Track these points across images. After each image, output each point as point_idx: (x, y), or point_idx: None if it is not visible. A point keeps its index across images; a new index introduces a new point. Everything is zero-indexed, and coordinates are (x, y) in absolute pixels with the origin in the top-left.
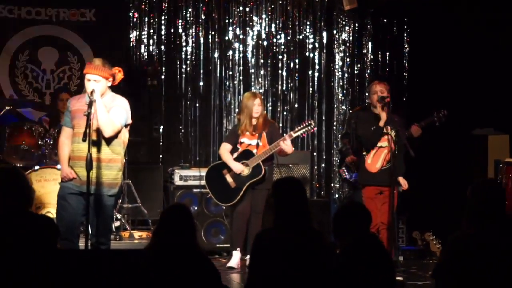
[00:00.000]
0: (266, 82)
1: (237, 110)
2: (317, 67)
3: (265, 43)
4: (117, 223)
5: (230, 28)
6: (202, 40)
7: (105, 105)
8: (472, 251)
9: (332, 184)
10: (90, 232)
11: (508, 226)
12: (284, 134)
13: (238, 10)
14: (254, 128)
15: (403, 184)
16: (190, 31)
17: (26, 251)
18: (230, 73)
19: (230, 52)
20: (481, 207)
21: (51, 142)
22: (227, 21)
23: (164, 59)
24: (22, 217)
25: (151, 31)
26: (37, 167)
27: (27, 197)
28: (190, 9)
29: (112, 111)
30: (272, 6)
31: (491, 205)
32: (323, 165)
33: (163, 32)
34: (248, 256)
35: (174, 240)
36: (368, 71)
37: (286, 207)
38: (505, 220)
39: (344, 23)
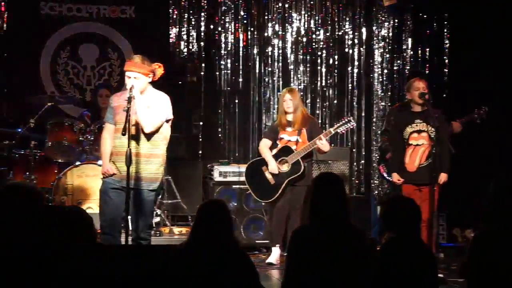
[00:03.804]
0: (305, 78)
1: (276, 106)
2: (356, 63)
3: (304, 39)
4: (157, 219)
5: (270, 25)
6: (241, 36)
7: (146, 101)
8: (498, 248)
9: (372, 181)
10: (130, 227)
11: None
12: (324, 130)
13: (277, 6)
14: (292, 124)
15: (439, 179)
16: (230, 27)
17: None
18: (269, 69)
19: (269, 49)
20: (503, 204)
21: (92, 138)
22: (266, 17)
23: (203, 55)
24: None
25: (191, 27)
26: (78, 163)
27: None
28: (229, 6)
29: (152, 107)
30: (312, 2)
31: None
32: (362, 161)
33: (202, 29)
34: None
35: (211, 237)
36: (408, 67)
37: (325, 203)
38: None
39: (383, 19)
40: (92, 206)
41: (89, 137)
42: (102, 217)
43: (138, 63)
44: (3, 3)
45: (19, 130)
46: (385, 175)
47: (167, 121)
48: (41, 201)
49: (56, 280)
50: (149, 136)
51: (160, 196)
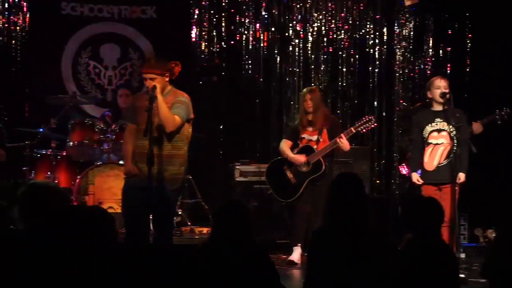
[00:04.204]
0: (326, 78)
1: (297, 106)
2: (377, 63)
3: (325, 39)
4: (178, 219)
5: (291, 24)
6: (262, 36)
7: (166, 101)
8: None
9: (392, 181)
10: (152, 227)
11: None
12: (345, 130)
13: (298, 6)
14: (312, 124)
15: (458, 180)
16: (251, 27)
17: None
18: (290, 69)
19: (290, 48)
20: None
21: (113, 138)
22: (287, 17)
23: (224, 55)
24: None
25: (212, 27)
26: (99, 163)
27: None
28: (250, 5)
29: (173, 107)
30: (333, 2)
31: None
32: (383, 161)
33: (223, 29)
34: None
35: (231, 237)
36: (429, 67)
37: (344, 204)
38: None
39: (404, 18)
40: (113, 206)
41: (110, 137)
42: (125, 217)
43: (153, 64)
44: (25, 4)
45: (41, 130)
46: (405, 173)
47: (187, 120)
48: (62, 200)
49: (77, 280)
50: (170, 136)
51: (181, 196)
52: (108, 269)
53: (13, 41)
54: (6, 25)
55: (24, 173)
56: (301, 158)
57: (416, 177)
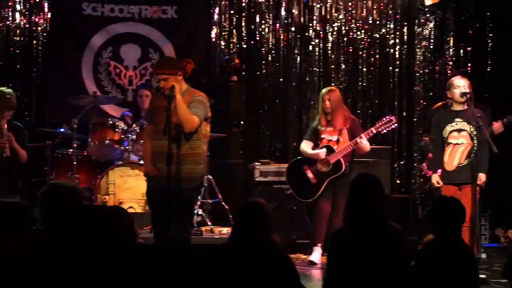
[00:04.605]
0: (346, 78)
1: (316, 106)
2: (397, 62)
3: (345, 39)
4: (198, 219)
5: (310, 24)
6: (282, 36)
7: (183, 100)
8: None
9: (413, 181)
10: (171, 226)
11: None
12: (365, 130)
13: (318, 6)
14: (332, 124)
15: (478, 180)
16: (270, 27)
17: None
18: (310, 69)
19: (310, 48)
20: None
21: (134, 138)
22: (307, 17)
23: (244, 55)
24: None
25: (232, 27)
26: (119, 163)
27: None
28: (270, 5)
29: (190, 106)
30: (352, 2)
31: None
32: (403, 161)
33: (243, 28)
34: None
35: (251, 237)
36: (450, 67)
37: (363, 205)
38: None
39: (425, 18)
40: (133, 206)
41: (130, 137)
42: (152, 218)
43: (164, 64)
44: (46, 4)
45: (62, 130)
46: (427, 173)
47: (205, 119)
48: (83, 200)
49: (97, 279)
50: (188, 136)
51: (201, 196)
52: (128, 268)
53: (34, 41)
54: (27, 25)
55: (45, 173)
56: (321, 153)
57: (435, 178)
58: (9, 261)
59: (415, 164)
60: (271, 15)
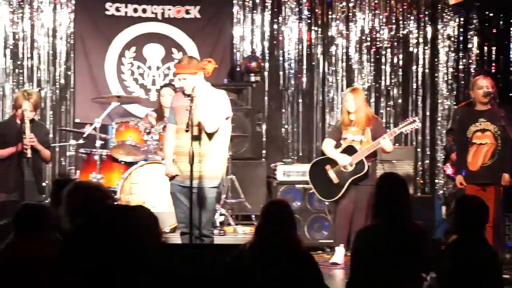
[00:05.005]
0: (369, 77)
1: (339, 105)
2: (421, 62)
3: (368, 38)
4: (221, 218)
5: (333, 24)
6: (305, 36)
7: (204, 99)
8: None
9: (436, 181)
10: (194, 225)
11: None
12: (388, 130)
13: (341, 5)
14: (355, 124)
15: (503, 180)
16: (293, 27)
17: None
18: (333, 68)
19: (333, 48)
20: None
21: (157, 137)
22: (330, 16)
23: (267, 55)
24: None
25: (255, 27)
26: (143, 162)
27: None
28: (293, 5)
29: (211, 105)
30: (376, 1)
31: None
32: (427, 161)
33: (266, 28)
34: None
35: (275, 237)
36: (474, 66)
37: (388, 204)
38: None
39: (449, 17)
40: (156, 205)
41: (153, 136)
42: (177, 218)
43: (184, 64)
44: (69, 4)
45: (86, 130)
46: (449, 173)
47: (226, 119)
48: (107, 199)
49: (121, 279)
50: (210, 135)
51: (224, 195)
52: (151, 268)
53: (58, 41)
54: (52, 25)
55: (69, 172)
56: (345, 160)
57: (459, 180)
58: (35, 262)
59: (439, 164)
60: (294, 14)
